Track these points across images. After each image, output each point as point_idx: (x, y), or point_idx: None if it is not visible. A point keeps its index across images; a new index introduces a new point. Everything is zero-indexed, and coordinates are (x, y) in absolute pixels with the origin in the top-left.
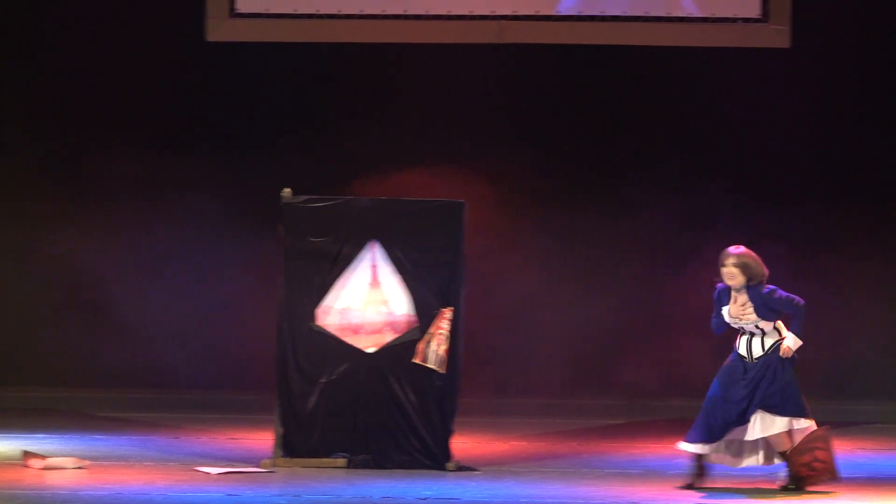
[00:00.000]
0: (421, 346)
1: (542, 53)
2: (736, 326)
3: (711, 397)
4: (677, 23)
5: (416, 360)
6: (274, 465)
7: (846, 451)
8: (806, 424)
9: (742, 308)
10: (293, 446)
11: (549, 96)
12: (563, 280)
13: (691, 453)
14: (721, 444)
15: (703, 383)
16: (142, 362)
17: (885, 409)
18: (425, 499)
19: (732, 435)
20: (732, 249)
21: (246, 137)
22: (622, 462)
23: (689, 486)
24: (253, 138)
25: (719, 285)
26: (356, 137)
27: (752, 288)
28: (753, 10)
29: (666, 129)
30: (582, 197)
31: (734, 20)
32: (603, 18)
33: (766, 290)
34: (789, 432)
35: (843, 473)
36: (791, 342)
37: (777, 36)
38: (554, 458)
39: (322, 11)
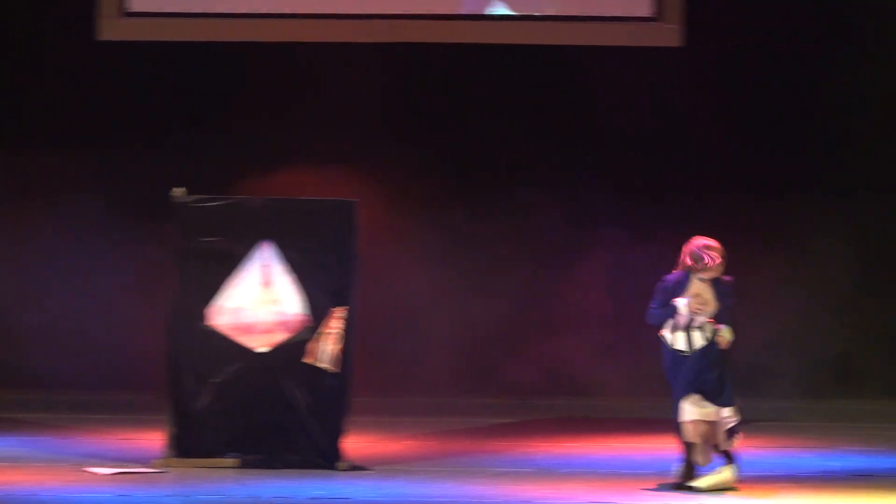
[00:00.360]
0: (313, 345)
1: (433, 53)
2: (685, 320)
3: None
4: (568, 21)
5: (309, 360)
6: (165, 466)
7: (746, 450)
8: (728, 414)
9: (703, 301)
10: (185, 446)
11: (439, 96)
12: (451, 279)
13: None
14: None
15: (590, 382)
16: (25, 361)
17: (780, 406)
18: (317, 498)
19: None
20: (714, 242)
21: (133, 136)
22: (513, 461)
23: None
24: (140, 137)
25: (670, 277)
26: (245, 137)
27: (715, 280)
28: (645, 9)
29: (554, 129)
30: (470, 197)
31: (626, 19)
32: (493, 17)
33: (727, 280)
34: (713, 423)
35: (745, 471)
36: (729, 333)
37: (669, 34)
38: (445, 457)
39: (214, 10)
